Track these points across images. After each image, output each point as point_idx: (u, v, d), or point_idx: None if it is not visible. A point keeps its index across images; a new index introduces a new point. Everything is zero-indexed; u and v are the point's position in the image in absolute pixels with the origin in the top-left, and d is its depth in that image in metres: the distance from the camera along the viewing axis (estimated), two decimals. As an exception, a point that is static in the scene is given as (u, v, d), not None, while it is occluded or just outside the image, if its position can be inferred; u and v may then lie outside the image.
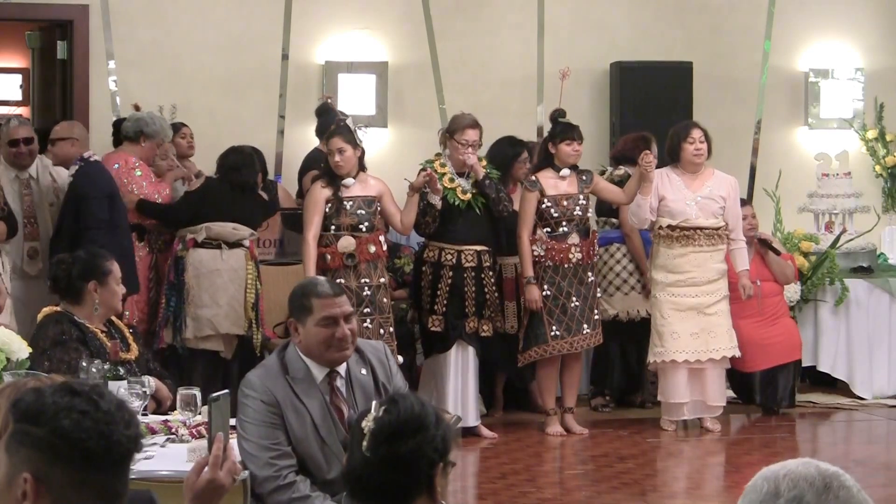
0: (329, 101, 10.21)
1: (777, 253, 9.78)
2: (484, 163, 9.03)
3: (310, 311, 4.77)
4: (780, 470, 2.27)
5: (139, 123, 9.10)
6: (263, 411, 4.75)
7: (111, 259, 6.12)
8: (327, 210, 8.51)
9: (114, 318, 6.10)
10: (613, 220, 9.72)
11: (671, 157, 9.21)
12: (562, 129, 8.99)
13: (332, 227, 8.51)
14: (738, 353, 9.20)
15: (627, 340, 9.65)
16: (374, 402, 3.01)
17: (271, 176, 9.98)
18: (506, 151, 9.46)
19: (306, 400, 4.78)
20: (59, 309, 5.89)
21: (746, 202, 10.06)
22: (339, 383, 4.87)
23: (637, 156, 9.60)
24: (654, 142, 9.65)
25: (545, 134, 9.51)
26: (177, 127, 9.71)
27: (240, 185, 8.87)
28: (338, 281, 8.06)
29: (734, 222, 9.21)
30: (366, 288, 8.46)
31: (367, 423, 2.95)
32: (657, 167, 9.09)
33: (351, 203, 8.53)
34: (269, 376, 4.82)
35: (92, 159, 8.64)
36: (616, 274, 9.65)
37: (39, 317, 5.96)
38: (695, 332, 9.04)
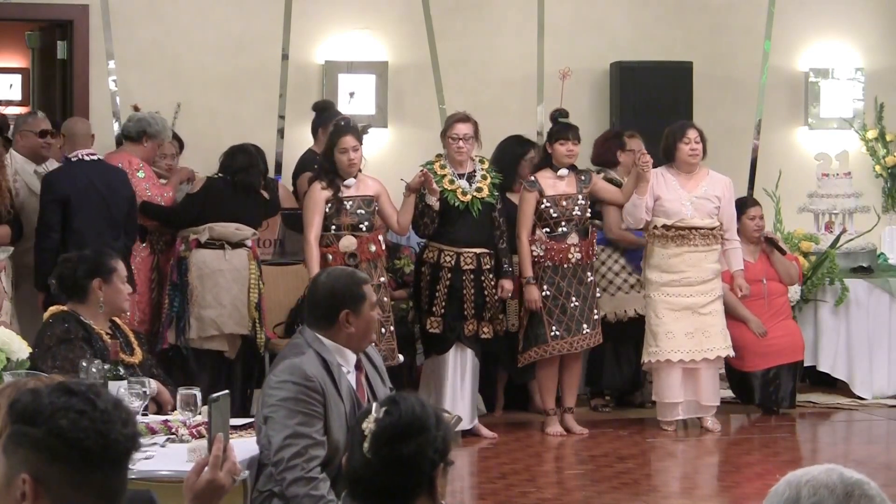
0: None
1: (783, 252, 9.79)
2: (486, 164, 9.02)
3: (364, 298, 4.96)
4: (802, 476, 2.26)
5: (141, 123, 9.09)
6: (310, 399, 4.81)
7: (116, 258, 6.13)
8: (327, 210, 8.50)
9: (119, 321, 6.10)
10: (597, 222, 9.68)
11: (666, 156, 9.21)
12: (557, 129, 9.00)
13: (333, 228, 8.51)
14: (732, 353, 9.20)
15: (620, 341, 9.60)
16: (373, 404, 3.00)
17: (271, 174, 10.00)
18: (513, 150, 9.47)
19: (342, 390, 4.89)
20: (65, 308, 5.90)
21: (755, 202, 10.05)
22: (364, 365, 5.06)
23: (612, 157, 9.72)
24: (636, 138, 9.68)
25: (546, 134, 9.52)
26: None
27: (245, 186, 8.89)
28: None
29: (728, 222, 9.21)
30: (367, 287, 8.46)
31: (368, 425, 2.94)
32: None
33: (351, 203, 8.53)
34: (314, 366, 4.87)
35: (75, 159, 8.61)
36: (602, 276, 9.59)
37: (45, 315, 5.97)
38: (689, 332, 9.04)
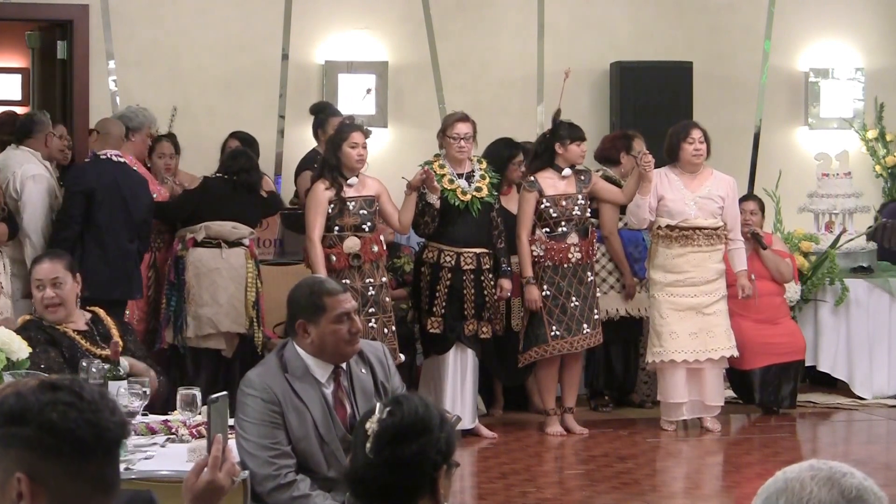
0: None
1: (763, 247, 9.68)
2: (484, 164, 9.02)
3: (323, 310, 4.79)
4: (801, 492, 2.22)
5: (121, 121, 9.09)
6: (263, 410, 4.76)
7: (44, 259, 6.03)
8: (330, 211, 8.49)
9: (101, 313, 6.08)
10: (593, 220, 9.66)
11: (670, 156, 9.20)
12: (571, 130, 8.97)
13: (336, 228, 8.50)
14: (736, 353, 9.19)
15: (608, 340, 9.55)
16: (377, 404, 3.00)
17: (270, 173, 10.02)
18: (501, 153, 9.46)
19: (306, 398, 4.80)
20: (28, 316, 5.96)
21: (753, 197, 10.03)
22: (343, 379, 4.90)
23: (616, 155, 9.73)
24: (638, 139, 9.69)
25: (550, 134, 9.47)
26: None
27: (247, 186, 8.92)
28: (343, 281, 8.05)
29: (732, 222, 9.21)
30: (370, 288, 8.47)
31: (371, 425, 2.93)
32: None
33: (353, 203, 8.52)
34: (269, 375, 4.83)
35: (103, 157, 8.61)
36: (595, 273, 9.57)
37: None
38: (693, 332, 9.04)
